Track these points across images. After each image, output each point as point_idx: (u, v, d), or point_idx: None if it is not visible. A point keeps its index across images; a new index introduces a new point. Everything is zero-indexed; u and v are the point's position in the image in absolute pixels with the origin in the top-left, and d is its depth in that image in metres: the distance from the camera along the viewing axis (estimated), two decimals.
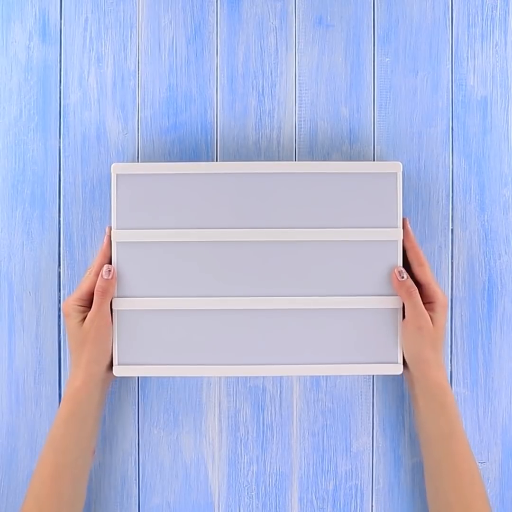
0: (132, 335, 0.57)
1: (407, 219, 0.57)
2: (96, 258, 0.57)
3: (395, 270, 0.56)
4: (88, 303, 0.56)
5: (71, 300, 0.56)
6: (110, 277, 0.55)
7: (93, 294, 0.56)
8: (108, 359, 0.56)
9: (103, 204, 0.60)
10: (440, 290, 0.56)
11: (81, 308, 0.56)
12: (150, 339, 0.57)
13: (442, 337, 0.56)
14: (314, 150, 0.61)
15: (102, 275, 0.55)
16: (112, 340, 0.57)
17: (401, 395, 0.61)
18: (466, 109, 0.61)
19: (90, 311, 0.55)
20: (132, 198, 0.57)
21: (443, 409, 0.55)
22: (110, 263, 0.57)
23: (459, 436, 0.55)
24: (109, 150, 0.61)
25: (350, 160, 0.61)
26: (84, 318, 0.55)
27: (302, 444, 0.61)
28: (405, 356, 0.57)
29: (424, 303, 0.56)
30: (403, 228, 0.57)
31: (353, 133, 0.61)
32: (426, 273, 0.56)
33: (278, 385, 0.61)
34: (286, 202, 0.57)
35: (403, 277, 0.56)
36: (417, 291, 0.56)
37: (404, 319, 0.56)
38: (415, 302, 0.55)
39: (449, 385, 0.56)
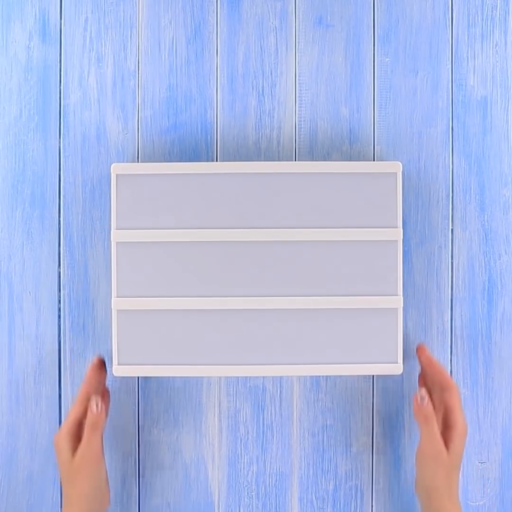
0: (132, 335, 0.57)
1: (425, 348, 0.57)
2: (81, 386, 0.55)
3: (418, 394, 0.54)
4: (77, 434, 0.54)
5: (62, 434, 0.53)
6: (99, 411, 0.53)
7: (81, 424, 0.54)
8: (101, 496, 0.54)
9: (103, 204, 0.60)
10: (461, 418, 0.54)
11: (71, 441, 0.53)
12: (150, 339, 0.57)
13: (458, 466, 0.54)
14: (314, 150, 0.61)
15: (91, 410, 0.53)
16: (112, 341, 0.57)
17: (401, 395, 0.61)
18: (466, 109, 0.61)
19: (81, 445, 0.53)
20: (132, 198, 0.57)
21: None
22: (97, 391, 0.56)
23: None
24: (109, 150, 0.61)
25: (350, 160, 0.61)
26: (75, 449, 0.53)
27: (302, 444, 0.61)
28: (416, 484, 0.55)
29: (443, 429, 0.54)
30: (421, 357, 0.57)
31: (353, 133, 0.61)
32: (452, 398, 0.54)
33: (278, 385, 0.61)
34: (286, 202, 0.57)
35: (423, 403, 0.54)
36: (434, 419, 0.53)
37: (419, 445, 0.54)
38: (431, 431, 0.53)
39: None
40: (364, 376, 0.61)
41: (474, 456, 0.61)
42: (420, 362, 0.57)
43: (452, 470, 0.53)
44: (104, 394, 0.58)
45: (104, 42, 0.61)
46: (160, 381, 0.61)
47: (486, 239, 0.61)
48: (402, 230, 0.57)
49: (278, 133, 0.61)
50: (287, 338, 0.57)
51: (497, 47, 0.61)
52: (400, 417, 0.61)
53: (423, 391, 0.54)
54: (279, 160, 0.61)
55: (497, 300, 0.61)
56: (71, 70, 0.61)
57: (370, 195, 0.57)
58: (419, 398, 0.54)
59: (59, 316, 0.61)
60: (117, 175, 0.57)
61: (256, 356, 0.57)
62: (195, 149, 0.61)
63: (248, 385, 0.61)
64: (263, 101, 0.61)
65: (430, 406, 0.54)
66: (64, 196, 0.61)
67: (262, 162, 0.59)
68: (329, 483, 0.61)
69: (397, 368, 0.58)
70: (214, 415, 0.61)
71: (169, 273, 0.57)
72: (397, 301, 0.57)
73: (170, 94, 0.61)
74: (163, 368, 0.57)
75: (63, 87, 0.61)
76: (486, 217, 0.61)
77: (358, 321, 0.57)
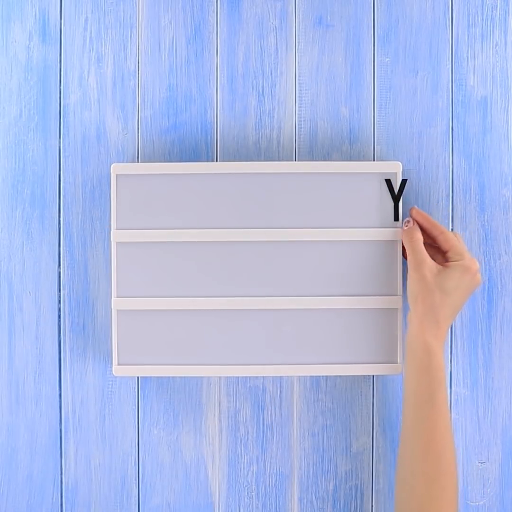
0: (132, 335, 0.57)
1: (417, 208, 0.57)
2: None
3: (405, 220, 0.57)
4: None
5: None
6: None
7: None
8: None
9: (103, 204, 0.60)
10: (468, 255, 0.55)
11: None
12: (150, 339, 0.57)
13: (448, 296, 0.54)
14: (314, 150, 0.61)
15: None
16: (112, 341, 0.57)
17: (401, 395, 0.61)
18: (466, 109, 0.61)
19: None
20: (132, 198, 0.57)
21: (425, 373, 0.53)
22: None
23: (437, 403, 0.52)
24: (109, 150, 0.61)
25: (350, 160, 0.61)
26: None
27: (302, 444, 0.61)
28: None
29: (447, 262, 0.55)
30: (417, 217, 0.57)
31: (353, 133, 0.61)
32: (447, 240, 0.55)
33: (278, 385, 0.61)
34: (286, 202, 0.57)
35: (409, 224, 0.56)
36: (420, 239, 0.55)
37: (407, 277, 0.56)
38: (414, 248, 0.55)
39: (441, 345, 0.53)
40: (364, 376, 0.61)
41: (474, 456, 0.61)
42: (417, 222, 0.57)
43: (440, 299, 0.53)
44: None
45: (104, 42, 0.61)
46: (160, 381, 0.61)
47: (486, 239, 0.61)
48: (402, 230, 0.57)
49: (278, 133, 0.61)
50: (287, 338, 0.57)
51: (497, 47, 0.61)
52: (400, 417, 0.61)
53: (409, 218, 0.56)
54: (279, 160, 0.61)
55: (497, 300, 0.61)
56: (71, 70, 0.61)
57: (370, 195, 0.57)
58: (404, 223, 0.56)
59: (59, 316, 0.61)
60: (117, 175, 0.57)
61: (256, 356, 0.57)
62: (195, 149, 0.61)
63: (248, 385, 0.61)
64: (263, 101, 0.61)
65: (417, 228, 0.56)
66: (64, 196, 0.61)
67: (262, 162, 0.59)
68: (329, 483, 0.61)
69: (397, 368, 0.58)
70: (214, 415, 0.61)
71: (169, 273, 0.57)
72: (397, 301, 0.57)
73: (170, 94, 0.61)
74: (163, 368, 0.58)
75: (63, 87, 0.61)
76: (486, 217, 0.61)
77: (358, 321, 0.57)
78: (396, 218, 0.57)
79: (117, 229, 0.57)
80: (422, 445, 0.52)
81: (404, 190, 0.59)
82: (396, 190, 0.57)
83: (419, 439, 0.52)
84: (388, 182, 0.57)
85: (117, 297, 0.57)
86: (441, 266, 0.54)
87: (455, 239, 0.55)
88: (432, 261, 0.54)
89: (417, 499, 0.51)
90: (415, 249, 0.55)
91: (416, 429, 0.53)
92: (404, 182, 0.57)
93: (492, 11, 0.61)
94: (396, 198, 0.57)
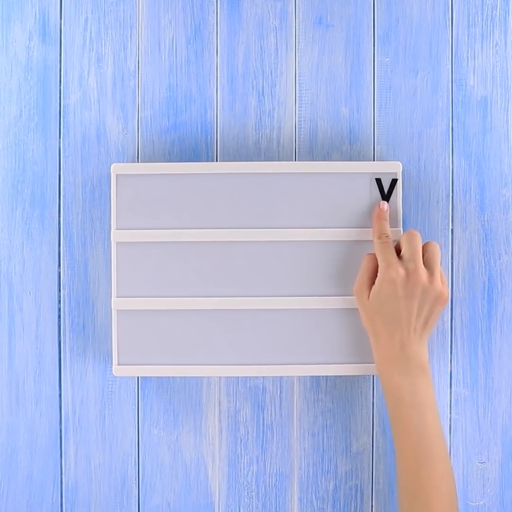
0: (132, 335, 0.57)
1: (384, 204, 0.57)
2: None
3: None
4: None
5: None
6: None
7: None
8: None
9: (103, 204, 0.60)
10: (385, 262, 0.53)
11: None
12: (150, 339, 0.57)
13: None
14: (314, 150, 0.61)
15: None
16: (112, 341, 0.57)
17: None
18: (466, 109, 0.61)
19: None
20: (132, 198, 0.57)
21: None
22: None
23: (408, 423, 0.52)
24: (109, 150, 0.61)
25: (350, 160, 0.61)
26: None
27: (302, 444, 0.61)
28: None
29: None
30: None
31: (353, 133, 0.61)
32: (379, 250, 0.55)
33: (278, 385, 0.61)
34: (286, 202, 0.57)
35: (381, 206, 0.56)
36: (389, 236, 0.55)
37: None
38: (380, 230, 0.55)
39: (413, 376, 0.52)
40: (364, 376, 0.61)
41: (474, 456, 0.61)
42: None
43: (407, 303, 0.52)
44: None
45: (104, 42, 0.61)
46: (160, 381, 0.61)
47: (486, 239, 0.61)
48: (402, 230, 0.57)
49: (278, 133, 0.61)
50: (287, 338, 0.57)
51: (497, 47, 0.61)
52: None
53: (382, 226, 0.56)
54: (279, 160, 0.61)
55: (497, 300, 0.61)
56: (71, 70, 0.61)
57: (370, 195, 0.57)
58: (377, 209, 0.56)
59: (59, 316, 0.61)
60: (117, 175, 0.57)
61: (256, 356, 0.57)
62: (195, 149, 0.61)
63: (248, 385, 0.61)
64: (263, 101, 0.61)
65: (387, 214, 0.56)
66: (64, 196, 0.61)
67: (262, 162, 0.59)
68: (329, 483, 0.61)
69: None
70: (214, 415, 0.61)
71: (169, 273, 0.57)
72: None
73: (170, 94, 0.61)
74: (163, 368, 0.58)
75: (63, 87, 0.61)
76: (486, 217, 0.61)
77: (358, 321, 0.57)
78: (393, 222, 0.57)
79: (117, 229, 0.57)
80: (400, 459, 0.52)
81: (404, 190, 0.59)
82: (397, 190, 0.57)
83: (397, 453, 0.53)
84: (378, 181, 0.57)
85: (117, 297, 0.57)
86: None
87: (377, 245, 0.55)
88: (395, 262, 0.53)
89: None
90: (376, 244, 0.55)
91: (394, 442, 0.53)
92: (394, 181, 0.57)
93: (492, 11, 0.61)
94: (386, 198, 0.57)
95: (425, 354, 0.53)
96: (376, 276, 0.54)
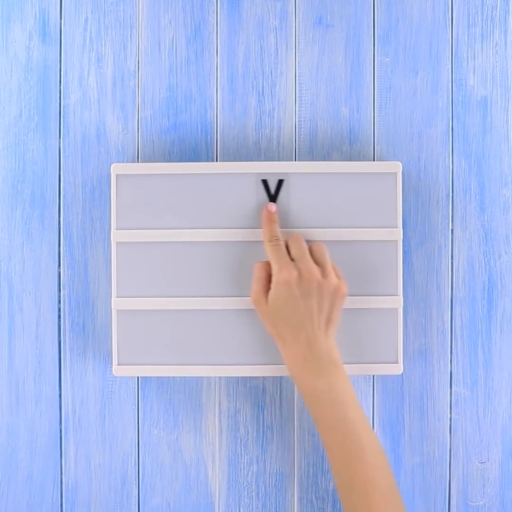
0: (132, 335, 0.57)
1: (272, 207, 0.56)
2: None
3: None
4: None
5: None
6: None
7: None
8: None
9: (103, 204, 0.60)
10: (277, 264, 0.54)
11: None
12: (150, 339, 0.57)
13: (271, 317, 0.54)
14: (314, 150, 0.61)
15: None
16: (112, 341, 0.57)
17: (401, 395, 0.61)
18: (466, 109, 0.61)
19: None
20: (132, 198, 0.57)
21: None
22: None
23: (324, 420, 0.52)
24: (109, 150, 0.61)
25: (350, 160, 0.61)
26: None
27: (302, 444, 0.61)
28: None
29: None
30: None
31: (353, 133, 0.61)
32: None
33: (278, 385, 0.61)
34: (286, 202, 0.57)
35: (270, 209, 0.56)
36: (281, 240, 0.55)
37: None
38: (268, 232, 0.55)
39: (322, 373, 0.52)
40: (364, 376, 0.61)
41: (474, 456, 0.61)
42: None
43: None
44: None
45: (104, 42, 0.61)
46: (160, 381, 0.61)
47: (486, 239, 0.61)
48: (402, 230, 0.58)
49: (278, 133, 0.61)
50: None
51: (497, 47, 0.61)
52: (400, 417, 0.61)
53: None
54: (279, 160, 0.61)
55: (497, 300, 0.61)
56: (71, 70, 0.61)
57: (370, 195, 0.57)
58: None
59: (59, 316, 0.61)
60: (117, 175, 0.57)
61: (256, 356, 0.57)
62: (195, 149, 0.61)
63: (248, 385, 0.61)
64: (263, 101, 0.61)
65: (275, 216, 0.56)
66: (64, 196, 0.61)
67: (262, 162, 0.59)
68: (329, 483, 0.61)
69: (397, 368, 0.58)
70: (214, 415, 0.61)
71: (169, 273, 0.57)
72: (397, 301, 0.57)
73: (170, 94, 0.61)
74: (163, 368, 0.58)
75: (63, 87, 0.61)
76: (486, 217, 0.61)
77: (358, 321, 0.57)
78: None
79: (117, 229, 0.57)
80: (330, 457, 0.52)
81: (404, 190, 0.59)
82: (396, 190, 0.57)
83: (326, 453, 0.53)
84: (265, 182, 0.57)
85: (117, 297, 0.57)
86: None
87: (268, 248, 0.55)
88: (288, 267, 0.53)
89: None
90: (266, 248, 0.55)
91: (322, 442, 0.53)
92: (280, 182, 0.57)
93: (492, 11, 0.61)
94: (273, 199, 0.57)
95: (334, 350, 0.53)
96: (271, 281, 0.54)
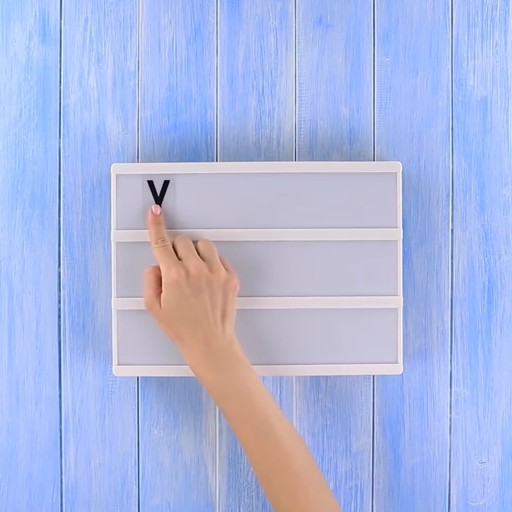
0: (132, 335, 0.57)
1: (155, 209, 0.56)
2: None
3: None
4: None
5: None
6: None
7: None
8: None
9: (103, 204, 0.60)
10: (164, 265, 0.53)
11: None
12: (150, 339, 0.57)
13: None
14: (314, 150, 0.61)
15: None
16: (112, 341, 0.57)
17: (401, 395, 0.61)
18: (466, 109, 0.61)
19: None
20: (132, 198, 0.57)
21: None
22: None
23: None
24: (109, 150, 0.61)
25: (350, 160, 0.61)
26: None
27: None
28: None
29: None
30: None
31: (353, 133, 0.61)
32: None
33: (278, 385, 0.61)
34: (286, 202, 0.57)
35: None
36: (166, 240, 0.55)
37: None
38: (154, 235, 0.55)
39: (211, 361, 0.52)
40: (364, 376, 0.61)
41: (474, 456, 0.61)
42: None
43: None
44: None
45: (104, 42, 0.61)
46: (160, 381, 0.61)
47: (486, 239, 0.61)
48: (402, 230, 0.58)
49: (278, 133, 0.61)
50: (287, 338, 0.57)
51: (497, 47, 0.61)
52: (400, 417, 0.61)
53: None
54: (279, 160, 0.61)
55: (497, 300, 0.61)
56: (71, 70, 0.61)
57: (370, 195, 0.57)
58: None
59: (59, 316, 0.61)
60: (117, 175, 0.57)
61: (256, 356, 0.57)
62: (195, 149, 0.61)
63: None
64: (263, 101, 0.61)
65: (161, 218, 0.56)
66: (64, 196, 0.61)
67: (262, 162, 0.59)
68: (329, 483, 0.61)
69: (397, 368, 0.58)
70: (214, 415, 0.61)
71: None
72: (397, 301, 0.57)
73: (170, 94, 0.61)
74: (163, 368, 0.57)
75: (63, 87, 0.61)
76: (486, 217, 0.61)
77: (358, 321, 0.57)
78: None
79: (117, 229, 0.57)
80: (246, 449, 0.52)
81: (404, 190, 0.59)
82: (396, 190, 0.57)
83: (242, 446, 0.53)
84: (150, 183, 0.57)
85: (117, 297, 0.57)
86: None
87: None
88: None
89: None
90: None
91: (236, 436, 0.53)
92: (166, 183, 0.57)
93: (492, 11, 0.61)
94: (158, 201, 0.57)
95: (234, 343, 0.53)
96: (161, 284, 0.54)
